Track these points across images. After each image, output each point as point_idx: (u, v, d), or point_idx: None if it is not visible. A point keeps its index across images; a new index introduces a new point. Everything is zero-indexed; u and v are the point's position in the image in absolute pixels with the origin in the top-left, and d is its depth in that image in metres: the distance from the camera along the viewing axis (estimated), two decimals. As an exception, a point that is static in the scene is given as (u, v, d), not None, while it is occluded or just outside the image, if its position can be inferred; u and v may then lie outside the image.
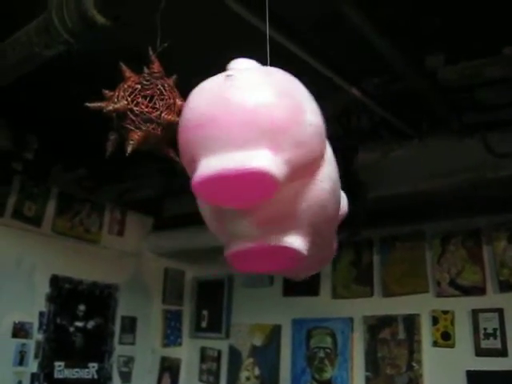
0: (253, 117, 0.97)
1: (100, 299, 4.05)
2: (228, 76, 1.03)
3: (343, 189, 1.34)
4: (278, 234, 1.08)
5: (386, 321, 3.64)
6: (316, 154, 1.08)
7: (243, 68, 1.10)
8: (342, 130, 2.99)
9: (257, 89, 1.01)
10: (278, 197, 1.03)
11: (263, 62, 1.21)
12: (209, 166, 0.95)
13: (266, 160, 0.95)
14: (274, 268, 1.28)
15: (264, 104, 0.98)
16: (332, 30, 2.19)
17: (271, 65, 1.20)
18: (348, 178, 3.04)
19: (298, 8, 2.03)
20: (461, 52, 2.40)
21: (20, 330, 3.49)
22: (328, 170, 1.14)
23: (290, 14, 1.98)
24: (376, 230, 3.76)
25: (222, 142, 0.96)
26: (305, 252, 1.10)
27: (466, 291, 3.37)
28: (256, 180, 0.96)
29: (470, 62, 2.41)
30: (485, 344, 3.20)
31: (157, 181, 3.70)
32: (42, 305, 3.65)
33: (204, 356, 4.53)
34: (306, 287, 4.05)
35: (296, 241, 1.09)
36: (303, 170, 1.05)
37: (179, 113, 1.33)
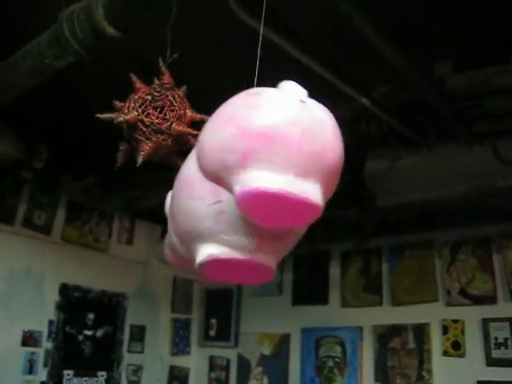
0: (321, 152, 1.00)
1: (109, 308, 4.06)
2: (302, 102, 1.04)
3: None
4: (267, 254, 1.13)
5: (396, 330, 3.62)
6: None
7: (306, 95, 1.10)
8: (350, 137, 2.99)
9: (327, 126, 1.04)
10: None
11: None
12: (268, 180, 0.96)
13: (320, 196, 0.99)
14: (241, 281, 1.33)
15: (331, 144, 1.03)
16: (340, 39, 2.19)
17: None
18: (356, 187, 3.06)
19: (305, 17, 2.04)
20: (469, 60, 2.39)
21: (29, 339, 3.50)
22: None
23: (297, 23, 1.99)
24: (385, 238, 3.75)
25: (286, 163, 0.97)
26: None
27: (477, 300, 3.35)
28: (304, 210, 0.99)
29: (477, 70, 2.40)
30: (496, 354, 3.18)
31: (165, 189, 3.70)
32: (51, 313, 3.66)
33: (213, 365, 4.52)
34: (315, 296, 4.04)
35: (275, 264, 1.16)
36: None
37: (189, 124, 1.34)
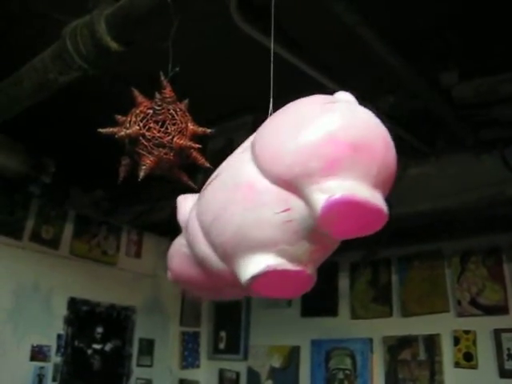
0: (393, 164, 1.03)
1: (117, 321, 4.05)
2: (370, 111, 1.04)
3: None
4: (314, 265, 1.11)
5: (406, 341, 3.57)
6: None
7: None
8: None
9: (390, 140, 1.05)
10: None
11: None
12: (353, 190, 0.93)
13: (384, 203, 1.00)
14: (282, 295, 1.27)
15: (395, 156, 1.04)
16: (345, 49, 2.19)
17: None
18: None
19: (310, 28, 2.04)
20: (475, 69, 2.38)
21: (38, 353, 3.50)
22: None
23: (302, 35, 1.99)
24: (394, 248, 3.72)
25: (368, 174, 0.96)
26: None
27: (488, 310, 3.31)
28: (374, 221, 1.00)
29: (484, 78, 2.39)
30: (509, 365, 3.13)
31: (173, 202, 3.69)
32: (59, 327, 3.66)
33: (222, 378, 4.48)
34: (325, 308, 4.01)
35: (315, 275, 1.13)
36: None
37: (191, 137, 1.33)
